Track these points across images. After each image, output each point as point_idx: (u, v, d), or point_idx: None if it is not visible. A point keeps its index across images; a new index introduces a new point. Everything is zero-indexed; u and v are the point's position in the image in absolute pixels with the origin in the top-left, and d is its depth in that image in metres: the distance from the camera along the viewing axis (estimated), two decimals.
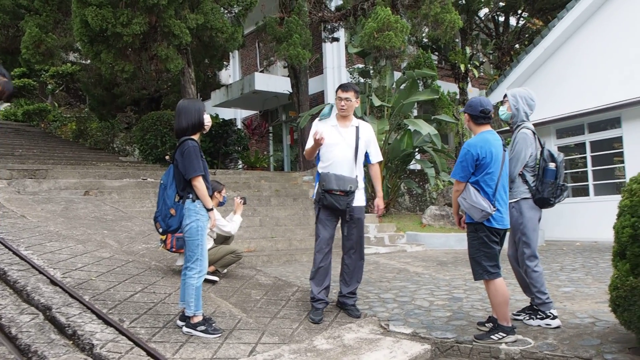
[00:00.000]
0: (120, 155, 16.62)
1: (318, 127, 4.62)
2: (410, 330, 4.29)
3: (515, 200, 4.21)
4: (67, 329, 3.69)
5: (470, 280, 6.14)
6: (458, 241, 9.75)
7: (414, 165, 13.17)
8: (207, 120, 4.03)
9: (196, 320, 3.89)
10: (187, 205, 3.88)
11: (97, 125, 18.29)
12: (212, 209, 3.99)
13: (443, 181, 11.83)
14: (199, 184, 3.85)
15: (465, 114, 4.09)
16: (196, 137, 4.00)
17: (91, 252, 5.71)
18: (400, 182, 12.51)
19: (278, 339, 4.00)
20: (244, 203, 5.84)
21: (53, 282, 4.54)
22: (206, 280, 4.98)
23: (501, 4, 15.53)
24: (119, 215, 8.17)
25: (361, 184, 4.67)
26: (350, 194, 4.49)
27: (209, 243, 5.70)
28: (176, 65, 10.20)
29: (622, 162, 10.65)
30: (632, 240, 3.30)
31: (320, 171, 4.66)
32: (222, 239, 5.88)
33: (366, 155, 4.78)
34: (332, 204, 4.50)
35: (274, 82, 16.90)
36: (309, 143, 4.65)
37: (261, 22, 13.99)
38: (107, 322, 3.81)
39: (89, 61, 14.34)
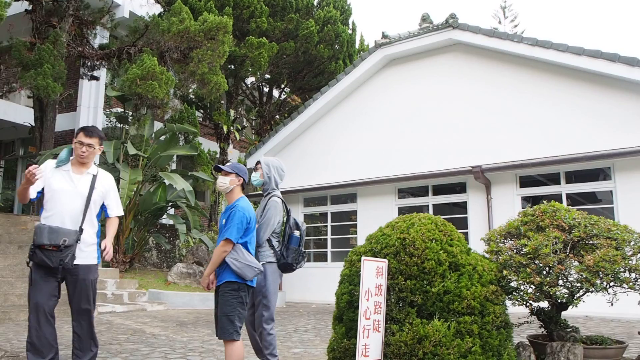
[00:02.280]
0: None
1: (45, 168, 4.06)
2: None
3: (261, 263, 4.35)
4: None
5: (207, 342, 6.08)
6: (202, 300, 9.67)
7: (166, 220, 12.83)
8: None
9: None
10: None
11: None
12: None
13: (194, 238, 11.73)
14: None
15: (235, 176, 4.09)
16: None
17: None
18: (149, 237, 12.02)
19: None
20: None
21: None
22: None
23: (267, 76, 16.70)
24: None
25: (92, 239, 4.11)
26: (64, 249, 3.84)
27: None
28: None
29: (356, 232, 12.08)
30: (348, 306, 3.68)
31: (38, 223, 4.03)
32: None
33: (104, 208, 4.27)
34: (43, 261, 3.84)
35: (14, 110, 14.97)
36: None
37: (6, 42, 12.42)
38: None
39: None
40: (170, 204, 11.59)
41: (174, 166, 14.43)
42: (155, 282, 10.46)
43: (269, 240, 4.42)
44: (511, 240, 4.08)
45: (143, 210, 11.01)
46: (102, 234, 4.22)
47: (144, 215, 11.17)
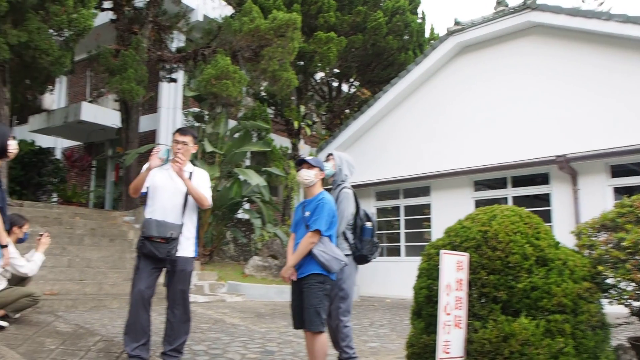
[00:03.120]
0: None
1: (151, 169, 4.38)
2: None
3: None
4: None
5: (284, 334, 6.21)
6: (278, 293, 9.88)
7: (242, 215, 13.21)
8: (12, 147, 3.62)
9: None
10: None
11: None
12: (6, 246, 3.53)
13: (268, 232, 12.01)
14: None
15: (319, 170, 4.16)
16: None
17: None
18: (226, 231, 12.41)
19: None
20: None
21: None
22: None
23: (336, 70, 16.74)
24: None
25: (191, 233, 4.41)
26: (171, 241, 4.19)
27: (2, 284, 5.01)
28: None
29: (430, 227, 11.90)
30: (427, 301, 3.63)
31: (145, 217, 4.37)
32: (18, 280, 5.21)
33: None
34: (151, 252, 4.17)
35: (103, 114, 15.89)
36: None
37: (95, 51, 13.23)
38: None
39: None
40: (245, 199, 11.91)
41: (247, 162, 14.80)
42: (233, 275, 10.80)
43: (343, 233, 4.44)
44: (606, 233, 3.82)
45: (220, 205, 11.39)
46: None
47: (221, 210, 11.55)
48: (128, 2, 12.99)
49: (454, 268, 3.37)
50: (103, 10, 12.84)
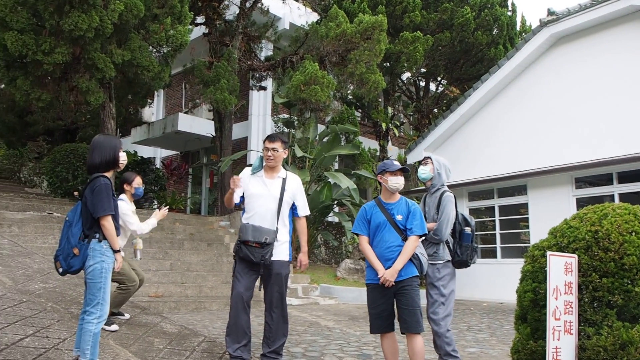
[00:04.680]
0: (26, 186, 15.57)
1: (243, 175, 4.56)
2: None
3: (441, 262, 4.35)
4: None
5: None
6: None
7: (332, 218, 13.32)
8: (123, 158, 3.88)
9: None
10: (92, 245, 3.65)
11: (3, 153, 17.10)
12: (119, 251, 3.78)
13: None
14: (108, 223, 3.65)
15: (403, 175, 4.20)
16: (109, 174, 3.82)
17: None
18: (318, 234, 12.56)
19: None
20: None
21: None
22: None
23: (423, 70, 16.47)
24: (17, 250, 7.55)
25: (285, 237, 4.49)
26: (265, 245, 4.28)
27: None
28: (97, 98, 9.84)
29: (527, 227, 11.35)
30: (532, 305, 3.45)
31: (242, 222, 4.52)
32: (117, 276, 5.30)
33: (294, 208, 4.62)
34: (247, 256, 4.30)
35: (198, 124, 16.71)
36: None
37: (189, 64, 13.94)
38: None
39: (2, 86, 13.52)
40: (335, 202, 12.00)
41: (336, 166, 14.92)
42: (325, 278, 10.90)
43: None
44: None
45: (311, 209, 11.47)
46: (293, 232, 4.65)
47: (312, 213, 11.71)
48: (219, 16, 13.57)
49: (561, 270, 3.18)
50: (196, 25, 13.50)
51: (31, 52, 8.91)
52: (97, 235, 3.65)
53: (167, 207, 5.71)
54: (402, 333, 4.05)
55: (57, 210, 10.24)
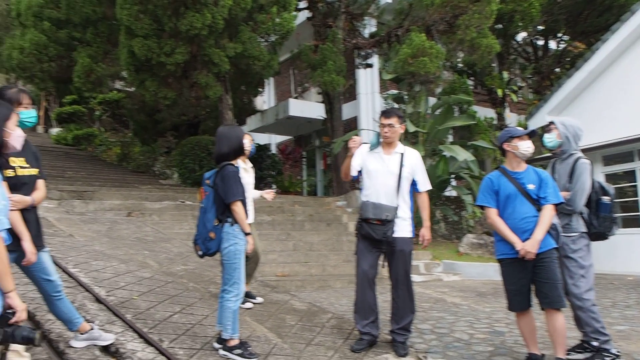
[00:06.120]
0: (160, 178, 16.94)
1: (361, 149, 4.52)
2: None
3: (576, 234, 4.09)
4: (110, 346, 3.76)
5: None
6: (497, 271, 9.44)
7: (450, 192, 12.98)
8: (247, 145, 4.07)
9: (233, 343, 3.87)
10: (225, 229, 3.89)
11: (139, 150, 18.77)
12: (249, 233, 3.99)
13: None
14: (238, 208, 3.87)
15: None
16: (235, 162, 4.03)
17: (133, 272, 5.79)
18: (436, 209, 12.32)
19: None
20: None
21: (98, 300, 4.65)
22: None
23: (540, 27, 15.36)
24: (158, 236, 8.29)
25: (406, 214, 4.40)
26: (386, 223, 4.22)
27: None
28: (215, 92, 10.42)
29: None
30: None
31: (361, 199, 4.52)
32: None
33: (414, 184, 4.50)
34: (369, 234, 4.28)
35: (308, 107, 17.04)
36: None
37: (296, 49, 14.21)
38: (148, 342, 3.87)
39: (133, 89, 14.79)
40: (453, 175, 11.68)
41: (451, 138, 14.47)
42: (447, 253, 10.69)
43: None
44: None
45: None
46: (414, 208, 4.54)
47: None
48: None
49: None
50: (299, 10, 13.70)
51: (155, 55, 9.64)
52: (229, 220, 3.89)
53: (274, 191, 5.96)
54: (541, 309, 3.85)
55: (188, 198, 11.04)
